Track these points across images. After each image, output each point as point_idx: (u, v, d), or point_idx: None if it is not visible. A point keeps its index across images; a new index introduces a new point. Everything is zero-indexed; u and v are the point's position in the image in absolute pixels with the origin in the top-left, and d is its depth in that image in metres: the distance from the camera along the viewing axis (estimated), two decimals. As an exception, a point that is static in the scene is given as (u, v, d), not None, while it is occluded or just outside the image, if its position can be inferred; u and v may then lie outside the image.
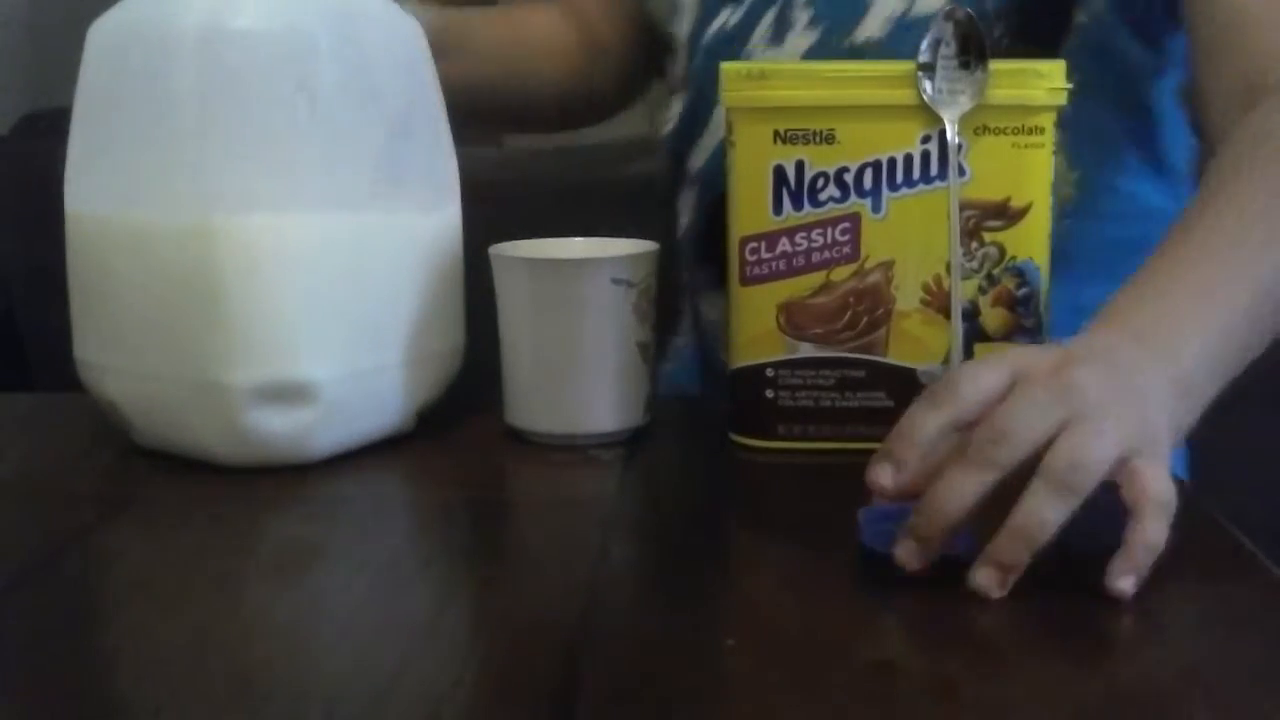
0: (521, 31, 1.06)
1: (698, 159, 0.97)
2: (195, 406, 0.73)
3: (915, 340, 0.75)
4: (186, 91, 0.71)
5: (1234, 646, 0.54)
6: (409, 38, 0.79)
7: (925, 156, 0.74)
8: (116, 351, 0.75)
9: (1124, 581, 0.55)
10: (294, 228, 0.72)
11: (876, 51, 0.88)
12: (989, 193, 0.74)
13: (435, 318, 0.79)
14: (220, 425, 0.72)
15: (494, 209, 1.09)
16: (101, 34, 0.76)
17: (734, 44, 0.93)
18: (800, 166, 0.74)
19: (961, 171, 0.73)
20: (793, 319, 0.76)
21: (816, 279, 0.75)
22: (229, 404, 0.72)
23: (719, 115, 0.93)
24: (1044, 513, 0.55)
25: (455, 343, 0.82)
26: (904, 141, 0.74)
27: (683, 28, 0.99)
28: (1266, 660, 0.53)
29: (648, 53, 1.07)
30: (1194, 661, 0.53)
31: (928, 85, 0.73)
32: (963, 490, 0.56)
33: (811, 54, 0.90)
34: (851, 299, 0.75)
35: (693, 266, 0.99)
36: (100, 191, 0.75)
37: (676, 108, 1.00)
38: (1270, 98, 0.75)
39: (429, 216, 0.79)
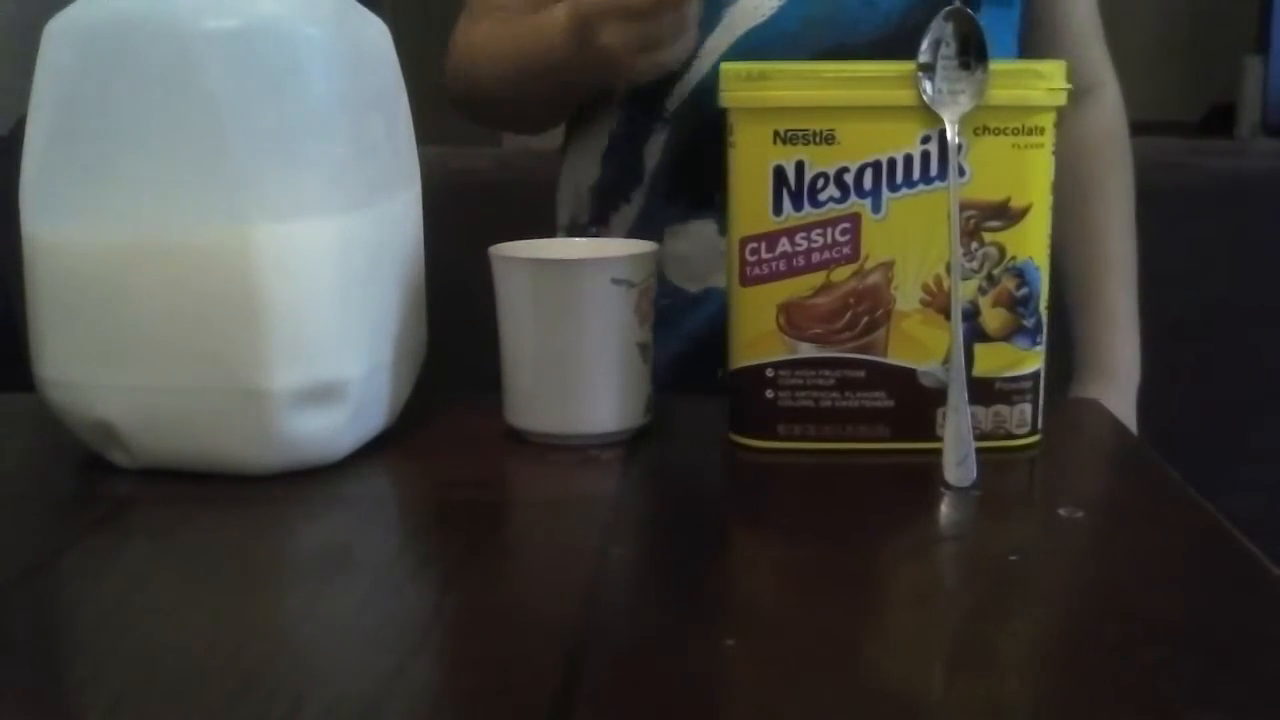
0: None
1: (672, 102, 1.00)
2: (229, 415, 0.71)
3: (915, 341, 0.75)
4: (194, 98, 0.69)
5: (1234, 648, 0.54)
6: (383, 34, 0.80)
7: (925, 157, 0.74)
8: (122, 370, 0.72)
9: None
10: (317, 229, 0.71)
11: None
12: (989, 193, 0.74)
13: (419, 309, 0.82)
14: (255, 432, 0.71)
15: (494, 209, 1.09)
16: (67, 37, 0.71)
17: None
18: (800, 167, 0.74)
19: (961, 172, 0.74)
20: (793, 319, 0.76)
21: (816, 279, 0.75)
22: (268, 410, 0.71)
23: (697, 62, 0.98)
24: None
25: (425, 335, 0.84)
26: (904, 142, 0.74)
27: None
28: (1267, 662, 0.53)
29: None
30: (1194, 664, 0.53)
31: (928, 86, 0.73)
32: None
33: None
34: (851, 299, 0.75)
35: (661, 204, 1.01)
36: (97, 207, 0.71)
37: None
38: (1083, 99, 1.08)
39: (409, 206, 0.81)
